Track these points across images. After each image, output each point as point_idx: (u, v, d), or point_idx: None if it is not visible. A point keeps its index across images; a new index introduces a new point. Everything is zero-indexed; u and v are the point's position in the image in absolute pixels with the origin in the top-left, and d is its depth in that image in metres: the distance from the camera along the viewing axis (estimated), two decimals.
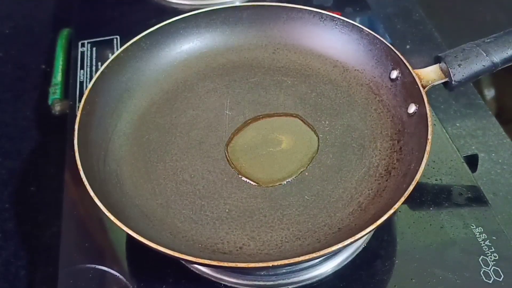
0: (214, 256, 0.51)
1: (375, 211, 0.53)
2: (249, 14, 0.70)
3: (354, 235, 0.46)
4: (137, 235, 0.47)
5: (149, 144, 0.61)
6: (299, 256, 0.45)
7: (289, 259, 0.45)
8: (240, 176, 0.58)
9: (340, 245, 0.46)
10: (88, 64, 0.77)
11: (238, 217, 0.54)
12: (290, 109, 0.64)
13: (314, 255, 0.45)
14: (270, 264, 0.45)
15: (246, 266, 0.46)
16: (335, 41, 0.68)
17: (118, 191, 0.56)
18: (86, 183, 0.50)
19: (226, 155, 0.60)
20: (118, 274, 0.54)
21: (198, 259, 0.46)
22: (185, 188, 0.57)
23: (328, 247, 0.46)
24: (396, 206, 0.48)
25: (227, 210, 0.55)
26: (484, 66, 0.57)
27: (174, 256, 0.46)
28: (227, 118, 0.64)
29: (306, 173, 0.58)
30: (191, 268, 0.55)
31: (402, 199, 0.48)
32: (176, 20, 0.68)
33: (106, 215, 0.48)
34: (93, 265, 0.55)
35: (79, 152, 0.53)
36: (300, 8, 0.69)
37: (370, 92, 0.65)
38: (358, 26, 0.65)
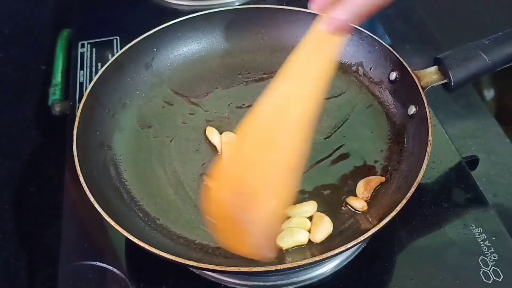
0: (215, 260, 0.50)
1: (376, 213, 0.53)
2: (248, 16, 0.71)
3: (356, 238, 0.46)
4: (137, 240, 0.46)
5: (149, 147, 0.61)
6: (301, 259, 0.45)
7: (292, 263, 0.45)
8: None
9: (342, 248, 0.45)
10: (88, 64, 0.77)
11: None
12: None
13: (316, 258, 0.45)
14: (273, 268, 0.45)
15: (249, 270, 0.45)
16: None
17: (117, 195, 0.56)
18: (85, 188, 0.50)
19: None
20: (117, 275, 0.54)
21: (199, 263, 0.45)
22: (186, 192, 0.57)
23: (329, 250, 0.45)
24: (398, 208, 0.47)
25: None
26: (483, 67, 0.57)
27: (175, 261, 0.45)
28: (227, 121, 0.64)
29: (306, 175, 0.58)
30: (191, 269, 0.54)
31: (404, 201, 0.48)
32: (174, 23, 0.68)
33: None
34: (93, 265, 0.55)
35: (78, 157, 0.53)
36: (298, 10, 0.69)
37: (369, 94, 0.65)
38: (357, 27, 0.65)
